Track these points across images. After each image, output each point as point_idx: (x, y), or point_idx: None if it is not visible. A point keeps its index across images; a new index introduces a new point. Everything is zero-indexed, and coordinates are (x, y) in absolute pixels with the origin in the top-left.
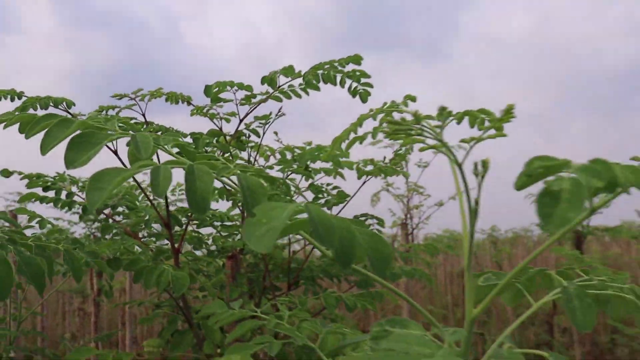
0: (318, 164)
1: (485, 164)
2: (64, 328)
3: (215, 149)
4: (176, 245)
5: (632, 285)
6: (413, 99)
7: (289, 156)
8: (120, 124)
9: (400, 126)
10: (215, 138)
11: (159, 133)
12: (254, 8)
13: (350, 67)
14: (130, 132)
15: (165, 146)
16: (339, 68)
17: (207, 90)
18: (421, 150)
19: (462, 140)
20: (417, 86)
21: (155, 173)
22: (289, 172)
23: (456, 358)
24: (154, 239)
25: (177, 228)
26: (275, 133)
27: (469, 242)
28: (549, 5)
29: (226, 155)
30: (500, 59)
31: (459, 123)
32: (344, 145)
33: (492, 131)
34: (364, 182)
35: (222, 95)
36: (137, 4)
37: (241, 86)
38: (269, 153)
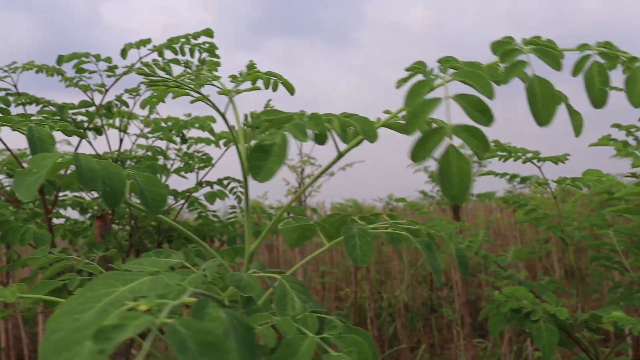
0: (201, 135)
1: (253, 115)
2: None
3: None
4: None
5: (427, 228)
6: (218, 64)
7: (164, 126)
8: None
9: (152, 78)
10: (86, 108)
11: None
12: None
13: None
14: None
15: None
16: (193, 41)
17: (59, 60)
18: (192, 102)
19: (220, 92)
20: (327, 69)
21: None
22: (154, 139)
23: (174, 275)
24: (30, 204)
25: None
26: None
27: (245, 186)
28: None
29: (95, 121)
30: (401, 45)
31: (252, 84)
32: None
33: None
34: (227, 148)
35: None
36: None
37: (98, 57)
38: (154, 124)
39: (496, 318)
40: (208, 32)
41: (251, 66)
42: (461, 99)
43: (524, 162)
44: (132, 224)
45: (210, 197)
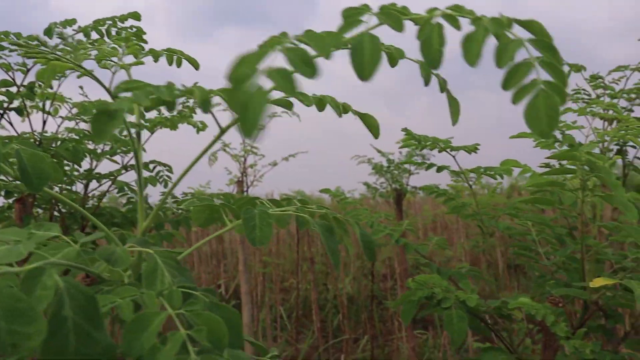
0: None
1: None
2: None
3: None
4: None
5: (332, 213)
6: (128, 39)
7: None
8: None
9: (29, 49)
10: (6, 87)
11: None
12: None
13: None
14: None
15: None
16: (120, 24)
17: None
18: (78, 77)
19: (102, 66)
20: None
21: None
22: (78, 121)
23: (30, 245)
24: None
25: None
26: (81, 87)
27: (137, 162)
28: None
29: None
30: None
31: (155, 60)
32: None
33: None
34: (152, 133)
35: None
36: None
37: (19, 36)
38: (82, 107)
39: (408, 305)
40: (135, 16)
41: (133, 37)
42: (289, 51)
43: (439, 151)
44: (52, 207)
45: None
